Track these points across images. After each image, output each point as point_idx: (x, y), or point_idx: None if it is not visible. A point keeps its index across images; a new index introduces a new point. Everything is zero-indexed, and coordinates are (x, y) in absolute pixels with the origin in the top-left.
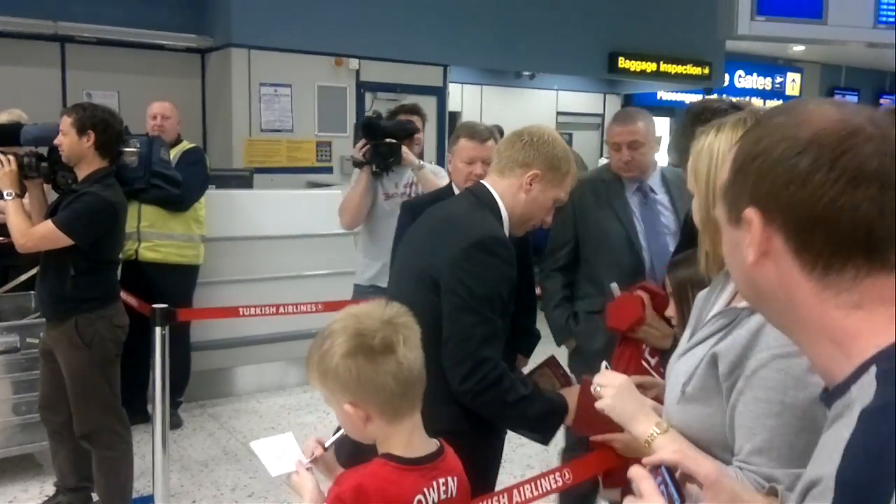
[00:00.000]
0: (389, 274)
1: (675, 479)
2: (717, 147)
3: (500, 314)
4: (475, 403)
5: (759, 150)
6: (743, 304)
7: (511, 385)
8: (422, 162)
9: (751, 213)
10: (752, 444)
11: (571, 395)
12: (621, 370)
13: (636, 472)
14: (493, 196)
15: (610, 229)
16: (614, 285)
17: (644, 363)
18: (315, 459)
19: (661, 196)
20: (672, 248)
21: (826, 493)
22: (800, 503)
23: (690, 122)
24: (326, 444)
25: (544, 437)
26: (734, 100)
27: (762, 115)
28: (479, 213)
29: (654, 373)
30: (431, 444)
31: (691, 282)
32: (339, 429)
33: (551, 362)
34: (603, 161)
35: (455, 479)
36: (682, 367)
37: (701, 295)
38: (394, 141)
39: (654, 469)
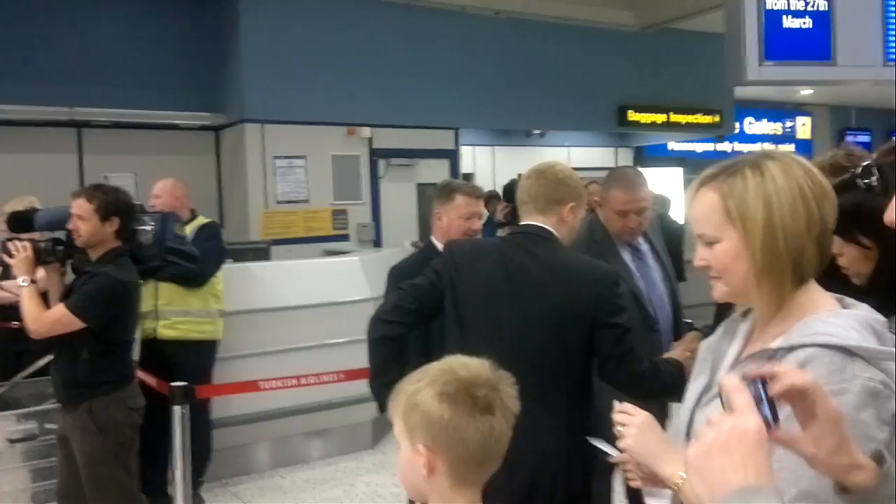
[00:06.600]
0: (484, 325)
1: (770, 399)
2: (773, 187)
3: None
4: (652, 384)
5: None
6: (776, 344)
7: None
8: None
9: None
10: (797, 489)
11: (680, 345)
12: None
13: (728, 383)
14: (554, 234)
15: None
16: None
17: None
18: None
19: (645, 246)
20: (669, 296)
21: None
22: None
23: None
24: None
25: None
26: None
27: None
28: (579, 254)
29: None
30: None
31: None
32: None
33: None
34: None
35: None
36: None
37: (707, 343)
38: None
39: (749, 383)
